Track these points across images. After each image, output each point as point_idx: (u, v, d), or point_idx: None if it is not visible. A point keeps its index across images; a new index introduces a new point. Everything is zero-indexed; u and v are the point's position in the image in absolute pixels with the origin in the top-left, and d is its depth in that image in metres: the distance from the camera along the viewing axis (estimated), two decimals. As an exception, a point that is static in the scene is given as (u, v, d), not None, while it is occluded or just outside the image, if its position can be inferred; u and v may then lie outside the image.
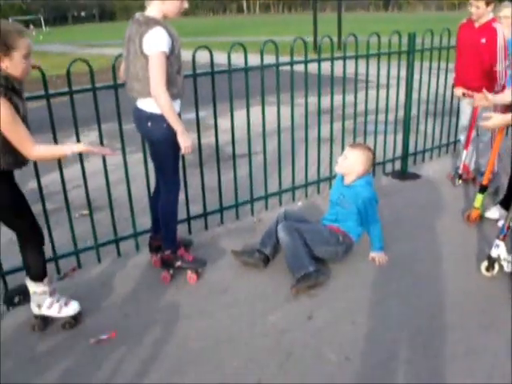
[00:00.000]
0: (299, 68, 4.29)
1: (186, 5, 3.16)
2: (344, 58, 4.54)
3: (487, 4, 4.34)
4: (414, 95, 5.22)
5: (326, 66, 4.51)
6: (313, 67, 4.40)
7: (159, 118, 3.06)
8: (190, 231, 4.18)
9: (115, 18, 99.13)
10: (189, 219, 4.15)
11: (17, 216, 2.76)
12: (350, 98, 4.70)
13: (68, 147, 2.64)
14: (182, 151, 3.17)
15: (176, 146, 3.17)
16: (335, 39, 4.70)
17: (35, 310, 2.98)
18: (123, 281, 3.53)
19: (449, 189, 4.97)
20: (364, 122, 4.97)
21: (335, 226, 3.64)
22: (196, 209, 4.25)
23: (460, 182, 4.99)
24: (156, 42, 2.90)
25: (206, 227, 4.27)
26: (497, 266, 3.37)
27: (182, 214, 4.06)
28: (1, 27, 2.42)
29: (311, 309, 3.12)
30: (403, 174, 5.39)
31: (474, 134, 4.92)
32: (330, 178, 4.90)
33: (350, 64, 4.64)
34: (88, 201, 3.65)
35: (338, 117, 4.88)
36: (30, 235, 2.86)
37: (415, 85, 5.18)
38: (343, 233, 3.61)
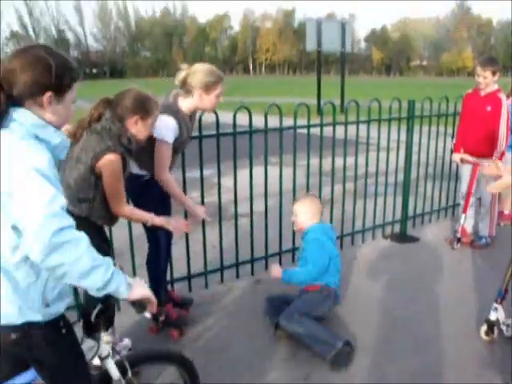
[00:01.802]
0: (303, 130, 4.43)
1: (220, 100, 3.25)
2: (346, 124, 4.71)
3: (493, 74, 4.65)
4: (414, 158, 5.37)
5: (329, 129, 4.64)
6: (316, 129, 4.54)
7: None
8: (190, 289, 4.20)
9: (125, 76, 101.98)
10: (189, 277, 4.18)
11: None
12: (351, 160, 4.85)
13: (150, 217, 2.80)
14: (199, 220, 3.44)
15: (162, 206, 3.29)
16: (338, 102, 4.87)
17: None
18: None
19: (447, 252, 5.02)
20: (364, 184, 5.09)
21: (310, 284, 3.50)
22: (198, 266, 4.29)
23: (458, 245, 5.05)
24: (163, 133, 3.06)
25: (207, 285, 4.30)
26: (496, 330, 3.38)
27: (183, 271, 4.12)
28: (144, 94, 2.69)
29: (309, 371, 3.12)
30: (402, 237, 5.45)
31: (473, 198, 5.04)
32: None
33: (352, 128, 4.80)
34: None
35: (339, 179, 5.00)
36: None
37: (415, 148, 5.33)
38: (319, 286, 3.49)
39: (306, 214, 3.59)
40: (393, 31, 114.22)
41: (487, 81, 4.66)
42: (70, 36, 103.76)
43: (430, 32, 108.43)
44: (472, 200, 5.06)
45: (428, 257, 4.93)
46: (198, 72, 3.12)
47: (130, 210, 2.81)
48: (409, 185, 5.43)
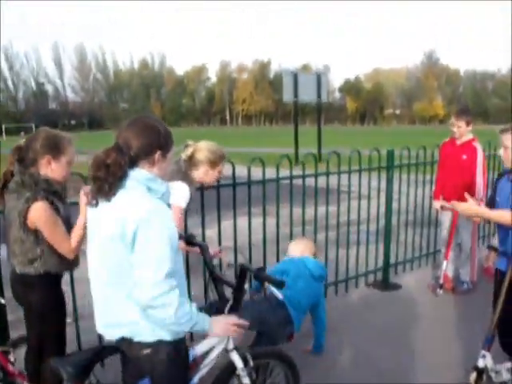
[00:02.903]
0: (285, 180, 4.51)
1: (220, 175, 3.49)
2: (327, 174, 4.78)
3: (467, 124, 4.87)
4: (394, 206, 5.45)
5: (310, 179, 4.70)
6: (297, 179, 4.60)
7: None
8: None
9: (104, 126, 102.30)
10: None
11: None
12: (332, 209, 4.91)
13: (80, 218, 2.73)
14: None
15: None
16: (315, 151, 4.96)
17: None
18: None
19: (430, 298, 5.05)
20: (347, 232, 5.13)
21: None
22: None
23: (441, 291, 5.09)
24: (179, 196, 3.18)
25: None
26: (485, 377, 3.37)
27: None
28: (54, 133, 2.69)
29: None
30: (385, 285, 5.47)
31: (453, 244, 5.11)
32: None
33: (333, 177, 4.87)
34: (74, 307, 3.66)
35: (321, 228, 5.04)
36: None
37: (395, 196, 5.43)
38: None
39: (291, 251, 3.91)
40: (366, 81, 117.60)
41: (461, 130, 4.84)
42: (49, 88, 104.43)
43: (401, 81, 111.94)
44: (453, 246, 5.14)
45: (411, 304, 4.94)
46: (205, 149, 3.34)
47: (72, 240, 2.70)
48: (390, 232, 5.49)
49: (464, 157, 4.87)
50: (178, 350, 2.07)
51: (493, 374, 3.34)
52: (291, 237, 4.64)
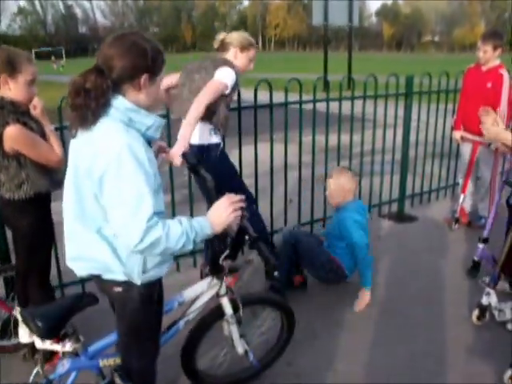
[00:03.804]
0: (309, 106, 4.35)
1: (252, 66, 3.51)
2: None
3: (494, 48, 4.44)
4: (413, 136, 5.21)
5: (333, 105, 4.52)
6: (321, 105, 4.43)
7: (214, 147, 3.38)
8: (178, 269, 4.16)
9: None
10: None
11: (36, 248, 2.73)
12: (348, 137, 4.74)
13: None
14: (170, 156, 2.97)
15: (226, 171, 3.52)
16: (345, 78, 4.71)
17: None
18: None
19: (445, 232, 4.89)
20: (360, 162, 4.94)
21: (332, 256, 3.60)
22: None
23: (457, 226, 4.92)
24: (225, 75, 3.22)
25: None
26: (487, 315, 3.27)
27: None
28: (10, 51, 2.49)
29: (292, 355, 3.03)
30: (400, 216, 5.32)
31: (472, 177, 4.89)
32: (325, 217, 4.86)
33: (356, 104, 4.67)
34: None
35: (335, 157, 4.85)
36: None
37: (414, 125, 5.17)
38: (337, 264, 3.57)
39: (343, 189, 3.61)
40: (404, 5, 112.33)
41: (487, 56, 4.47)
42: (78, 11, 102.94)
43: (442, 6, 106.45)
44: (471, 179, 4.91)
45: (425, 237, 4.80)
46: (235, 34, 3.45)
47: (55, 147, 2.63)
48: (407, 163, 5.27)
49: (489, 85, 4.51)
50: (150, 290, 1.97)
51: (496, 313, 3.25)
52: (313, 165, 4.56)
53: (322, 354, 3.06)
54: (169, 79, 3.60)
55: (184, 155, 2.76)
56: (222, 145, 3.54)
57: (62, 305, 2.10)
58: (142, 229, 1.65)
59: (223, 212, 1.90)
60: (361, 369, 2.93)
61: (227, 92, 3.27)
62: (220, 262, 2.28)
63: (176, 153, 2.76)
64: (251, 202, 3.58)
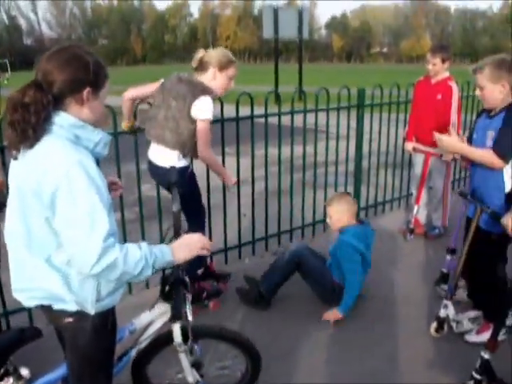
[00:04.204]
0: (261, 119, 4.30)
1: (232, 85, 3.45)
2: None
3: (443, 61, 4.52)
4: (366, 147, 5.22)
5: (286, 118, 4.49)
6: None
7: (183, 171, 3.33)
8: (226, 261, 4.41)
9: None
10: (226, 249, 4.34)
11: None
12: (301, 149, 4.69)
13: None
14: (231, 184, 3.55)
15: (194, 191, 3.51)
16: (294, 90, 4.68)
17: None
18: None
19: (401, 243, 4.89)
20: (313, 174, 4.90)
21: (334, 278, 3.62)
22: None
23: (412, 236, 4.93)
24: (205, 110, 3.19)
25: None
26: (446, 327, 3.26)
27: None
28: None
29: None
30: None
31: (425, 187, 4.93)
32: (279, 233, 4.80)
33: (309, 115, 4.64)
34: None
35: (287, 169, 4.79)
36: None
37: (367, 137, 5.18)
38: (340, 287, 3.56)
39: (343, 215, 3.62)
40: (353, 18, 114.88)
41: (436, 68, 4.53)
42: (22, 22, 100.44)
43: (389, 19, 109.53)
44: (425, 190, 4.95)
45: (381, 248, 4.74)
46: (214, 52, 3.36)
47: None
48: (360, 174, 5.28)
49: (439, 96, 4.57)
50: (103, 320, 1.86)
51: (454, 324, 3.24)
52: (267, 178, 4.51)
53: (280, 371, 2.96)
54: (138, 91, 3.55)
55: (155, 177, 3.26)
56: (190, 167, 3.49)
57: (0, 342, 1.93)
58: (98, 249, 1.58)
59: (193, 247, 1.89)
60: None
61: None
62: (169, 286, 2.16)
63: (231, 181, 3.55)
64: (201, 227, 3.63)
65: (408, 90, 5.29)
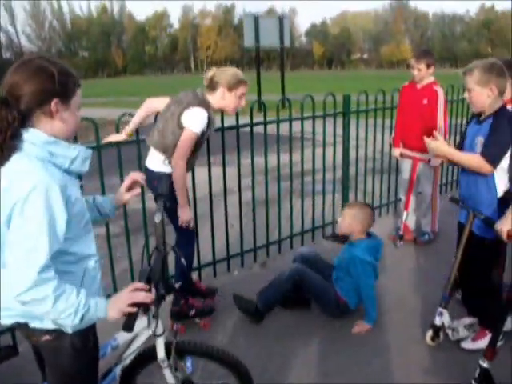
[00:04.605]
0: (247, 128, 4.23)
1: (243, 103, 3.40)
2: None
3: (428, 66, 4.51)
4: (353, 153, 5.18)
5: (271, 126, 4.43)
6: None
7: (165, 177, 3.25)
8: (215, 274, 4.33)
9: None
10: (214, 262, 4.36)
11: None
12: (288, 157, 4.64)
13: None
14: (180, 223, 3.33)
15: None
16: (279, 97, 4.61)
17: None
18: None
19: (390, 250, 4.83)
20: (301, 182, 4.84)
21: (338, 293, 3.54)
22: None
23: (402, 242, 4.89)
24: (195, 122, 3.17)
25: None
26: (441, 335, 3.20)
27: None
28: None
29: None
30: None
31: (414, 193, 4.90)
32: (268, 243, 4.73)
33: (294, 123, 4.57)
34: None
35: (274, 178, 4.74)
36: None
37: (353, 143, 5.15)
38: (343, 301, 3.51)
39: (359, 223, 3.53)
40: (333, 25, 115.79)
41: (422, 73, 4.52)
42: (0, 36, 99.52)
43: (368, 25, 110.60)
44: (413, 195, 4.92)
45: (371, 256, 4.73)
46: (224, 72, 3.31)
47: None
48: (348, 181, 5.23)
49: (424, 101, 4.55)
50: (83, 338, 1.79)
51: (449, 332, 3.18)
52: (253, 187, 4.45)
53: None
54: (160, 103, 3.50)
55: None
56: None
57: None
58: (29, 279, 1.52)
59: (120, 305, 1.74)
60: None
61: (198, 137, 3.24)
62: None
63: (184, 217, 3.31)
64: (191, 240, 3.61)
65: (393, 95, 5.26)
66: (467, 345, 3.16)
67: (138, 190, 2.21)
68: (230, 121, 4.09)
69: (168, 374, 2.20)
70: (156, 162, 3.34)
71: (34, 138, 1.59)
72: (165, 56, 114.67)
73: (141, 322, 2.10)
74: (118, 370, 2.16)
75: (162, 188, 3.09)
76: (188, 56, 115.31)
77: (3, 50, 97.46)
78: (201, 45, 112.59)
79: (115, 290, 3.66)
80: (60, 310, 1.59)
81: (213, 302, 3.80)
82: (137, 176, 2.18)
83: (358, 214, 3.54)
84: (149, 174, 3.36)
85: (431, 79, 4.58)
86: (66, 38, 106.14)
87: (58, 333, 1.73)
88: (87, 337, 1.82)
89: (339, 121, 4.96)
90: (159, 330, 2.13)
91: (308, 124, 4.67)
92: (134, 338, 2.17)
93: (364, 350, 3.24)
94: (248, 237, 4.56)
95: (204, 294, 3.86)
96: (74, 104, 1.69)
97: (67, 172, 1.67)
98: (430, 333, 3.22)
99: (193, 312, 3.54)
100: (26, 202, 1.51)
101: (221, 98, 3.31)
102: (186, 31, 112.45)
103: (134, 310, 1.76)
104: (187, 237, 3.52)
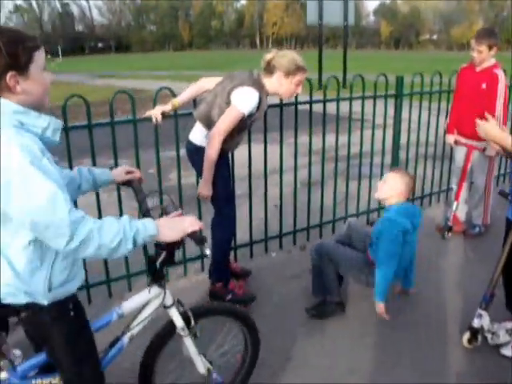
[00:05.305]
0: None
1: (299, 90, 3.28)
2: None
3: (489, 48, 4.14)
4: (404, 138, 4.94)
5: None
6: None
7: (204, 151, 3.14)
8: (251, 255, 4.28)
9: (130, 50, 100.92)
10: (251, 243, 4.29)
11: None
12: (342, 138, 4.53)
13: None
14: (197, 194, 3.27)
15: (223, 177, 3.30)
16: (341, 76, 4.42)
17: None
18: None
19: (437, 242, 4.59)
20: (347, 165, 4.65)
21: (372, 255, 3.34)
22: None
23: (450, 234, 4.63)
24: (244, 101, 3.04)
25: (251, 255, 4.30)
26: (480, 338, 2.99)
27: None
28: None
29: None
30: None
31: (466, 183, 4.61)
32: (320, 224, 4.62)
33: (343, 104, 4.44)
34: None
35: (322, 159, 4.58)
36: None
37: (407, 126, 4.90)
38: (372, 263, 3.31)
39: (399, 189, 3.27)
40: (402, 4, 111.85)
41: (482, 56, 4.16)
42: (74, 9, 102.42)
43: (440, 5, 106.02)
44: (466, 185, 4.63)
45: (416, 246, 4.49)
46: (283, 56, 3.16)
47: None
48: (397, 166, 4.97)
49: (483, 86, 4.20)
50: (61, 308, 1.76)
51: (489, 336, 2.95)
52: (310, 167, 4.34)
53: (294, 379, 2.79)
54: (203, 86, 3.45)
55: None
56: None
57: None
58: (66, 222, 1.51)
59: (180, 229, 1.80)
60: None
61: (245, 117, 3.11)
62: (158, 267, 2.01)
63: (203, 192, 3.20)
64: (232, 219, 3.52)
65: (451, 77, 4.93)
66: (507, 351, 2.91)
67: (138, 174, 2.27)
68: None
69: (189, 342, 2.21)
70: (198, 135, 3.27)
71: (3, 107, 1.53)
72: (231, 31, 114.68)
73: (149, 291, 2.10)
74: (125, 339, 2.13)
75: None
76: (254, 32, 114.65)
77: (76, 22, 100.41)
78: (267, 21, 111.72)
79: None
80: (109, 237, 1.59)
81: (244, 284, 3.74)
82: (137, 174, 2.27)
83: (402, 178, 3.31)
84: (190, 147, 3.32)
85: (492, 62, 4.23)
86: (135, 12, 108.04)
87: (33, 308, 1.70)
88: (66, 306, 1.78)
89: (392, 102, 4.71)
90: (168, 301, 2.13)
91: (365, 105, 4.48)
92: (143, 308, 2.14)
93: (394, 346, 3.07)
94: (288, 219, 4.44)
95: (238, 276, 3.79)
96: (34, 70, 1.58)
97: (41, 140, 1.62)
98: (467, 335, 3.01)
99: (229, 297, 3.46)
100: (21, 172, 1.47)
101: (277, 83, 3.18)
102: (252, 7, 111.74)
103: (197, 228, 1.82)
104: (221, 213, 3.44)
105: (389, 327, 3.27)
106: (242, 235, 4.19)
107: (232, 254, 4.08)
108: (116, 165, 3.43)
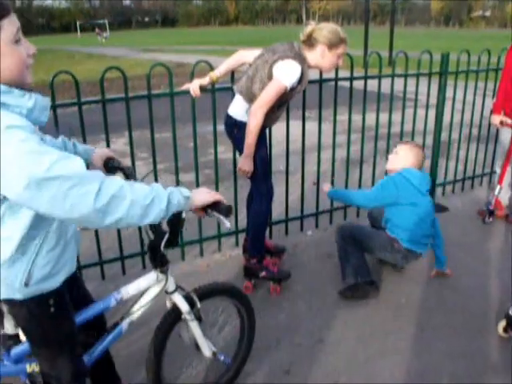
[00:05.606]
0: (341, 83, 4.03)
1: (340, 62, 3.22)
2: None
3: None
4: (447, 118, 4.78)
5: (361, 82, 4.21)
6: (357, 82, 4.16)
7: (245, 126, 3.11)
8: (286, 232, 4.29)
9: (177, 24, 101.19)
10: (287, 220, 4.29)
11: None
12: (385, 117, 4.46)
13: None
14: (237, 169, 3.26)
15: (261, 153, 3.24)
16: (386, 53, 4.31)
17: None
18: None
19: (478, 226, 4.46)
20: (387, 144, 4.55)
21: (389, 232, 3.36)
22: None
23: (491, 219, 4.49)
24: (286, 74, 2.99)
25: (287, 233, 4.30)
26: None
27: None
28: None
29: (293, 361, 2.75)
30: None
31: (511, 166, 4.44)
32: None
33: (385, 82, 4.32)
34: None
35: (370, 137, 4.52)
36: None
37: (450, 107, 4.75)
38: (392, 239, 3.31)
39: (409, 160, 3.32)
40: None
41: None
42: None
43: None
44: (510, 169, 4.46)
45: (455, 230, 4.36)
46: (325, 28, 3.09)
47: None
48: (439, 147, 4.83)
49: (534, 65, 4.03)
50: (41, 304, 1.67)
51: (526, 325, 2.86)
52: (349, 146, 4.30)
53: (325, 362, 2.77)
54: (241, 59, 3.40)
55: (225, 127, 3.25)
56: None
57: None
58: (87, 175, 1.37)
59: (207, 194, 1.78)
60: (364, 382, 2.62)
61: (287, 91, 3.05)
62: (161, 249, 1.93)
63: (244, 167, 3.15)
64: (269, 195, 3.45)
65: (500, 56, 4.72)
66: (544, 340, 2.84)
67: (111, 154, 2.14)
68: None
69: (195, 325, 2.19)
70: (239, 109, 3.23)
71: None
72: (277, 6, 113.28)
73: (147, 277, 2.07)
74: (125, 324, 2.10)
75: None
76: (300, 7, 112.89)
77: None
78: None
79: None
80: (142, 194, 1.49)
81: (279, 262, 3.74)
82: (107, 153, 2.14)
83: (413, 149, 3.33)
84: (230, 121, 3.29)
85: (545, 39, 4.03)
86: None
87: (11, 301, 1.63)
88: (46, 302, 1.69)
89: (436, 81, 4.56)
90: (171, 287, 2.09)
91: (411, 83, 4.36)
92: (141, 293, 2.09)
93: (426, 332, 3.02)
94: (325, 197, 4.40)
95: (271, 253, 3.79)
96: (4, 43, 1.37)
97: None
98: (502, 323, 2.93)
99: (263, 273, 3.45)
100: (15, 148, 1.31)
101: (320, 56, 3.11)
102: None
103: (221, 198, 1.82)
104: (261, 192, 3.40)
105: (423, 311, 3.22)
106: (278, 212, 4.18)
107: (267, 230, 4.08)
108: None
